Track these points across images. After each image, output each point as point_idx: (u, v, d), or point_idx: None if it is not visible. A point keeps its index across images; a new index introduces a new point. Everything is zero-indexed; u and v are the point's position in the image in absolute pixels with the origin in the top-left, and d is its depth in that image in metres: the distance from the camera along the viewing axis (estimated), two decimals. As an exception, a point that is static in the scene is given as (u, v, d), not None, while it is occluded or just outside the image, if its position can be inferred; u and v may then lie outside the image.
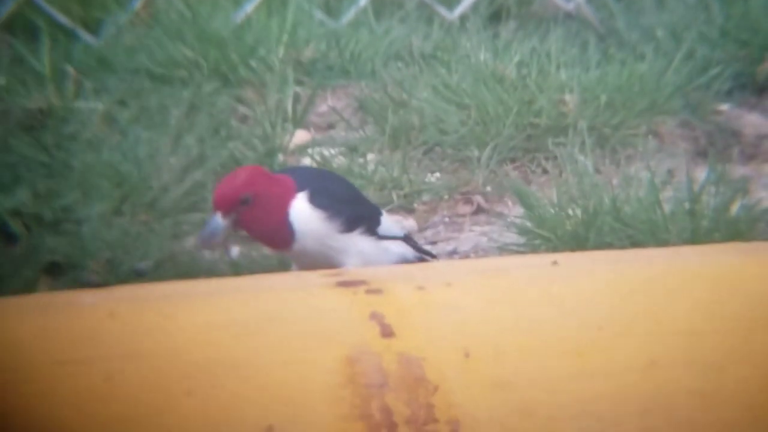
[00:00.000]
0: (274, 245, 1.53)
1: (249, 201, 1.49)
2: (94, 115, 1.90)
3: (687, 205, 1.68)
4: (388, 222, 1.59)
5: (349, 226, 1.53)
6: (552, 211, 1.72)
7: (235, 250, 1.70)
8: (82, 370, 1.19)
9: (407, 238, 1.62)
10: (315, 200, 1.51)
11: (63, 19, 2.14)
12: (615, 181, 1.79)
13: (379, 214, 1.58)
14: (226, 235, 1.49)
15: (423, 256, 1.61)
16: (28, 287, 1.51)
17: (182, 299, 1.27)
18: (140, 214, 1.72)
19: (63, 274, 1.57)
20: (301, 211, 1.51)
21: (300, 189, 1.52)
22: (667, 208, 1.69)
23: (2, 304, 1.30)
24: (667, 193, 1.73)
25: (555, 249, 1.66)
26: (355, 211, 1.54)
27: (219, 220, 1.48)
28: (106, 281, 1.55)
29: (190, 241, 1.69)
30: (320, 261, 1.53)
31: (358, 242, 1.54)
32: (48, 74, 1.96)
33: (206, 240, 1.50)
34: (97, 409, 1.18)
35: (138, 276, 1.59)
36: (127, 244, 1.61)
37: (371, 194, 1.83)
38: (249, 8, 2.18)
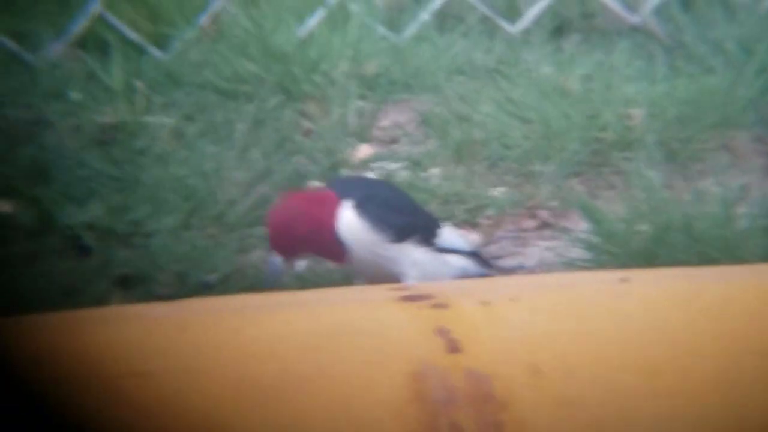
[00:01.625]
0: (332, 260, 1.54)
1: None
2: (162, 130, 1.92)
3: (762, 222, 1.65)
4: (451, 235, 1.58)
5: (400, 236, 1.52)
6: (620, 226, 1.70)
7: (301, 264, 1.71)
8: (152, 383, 1.21)
9: (474, 254, 1.60)
10: (360, 209, 1.51)
11: (133, 34, 2.18)
12: (686, 197, 1.76)
13: (437, 225, 1.57)
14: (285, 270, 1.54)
15: (490, 272, 1.60)
16: (101, 300, 1.54)
17: (250, 313, 1.28)
18: (208, 228, 1.73)
19: (134, 286, 1.59)
20: (348, 222, 1.51)
21: (344, 198, 1.52)
22: (740, 224, 1.66)
23: (75, 317, 1.32)
24: (740, 209, 1.70)
25: (623, 265, 1.64)
26: (407, 221, 1.53)
27: (277, 261, 1.53)
28: (175, 294, 1.57)
29: (256, 255, 1.70)
30: (378, 272, 1.53)
31: (412, 252, 1.53)
32: (119, 90, 2.00)
33: (272, 282, 1.55)
34: (166, 422, 1.19)
35: (206, 289, 1.60)
36: (195, 257, 1.62)
37: (434, 209, 1.83)
38: (312, 23, 2.19)
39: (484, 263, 1.61)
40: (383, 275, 1.54)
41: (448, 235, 1.58)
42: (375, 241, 1.51)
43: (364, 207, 1.51)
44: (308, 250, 1.55)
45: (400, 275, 1.54)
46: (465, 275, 1.56)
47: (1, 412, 1.17)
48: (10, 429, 1.17)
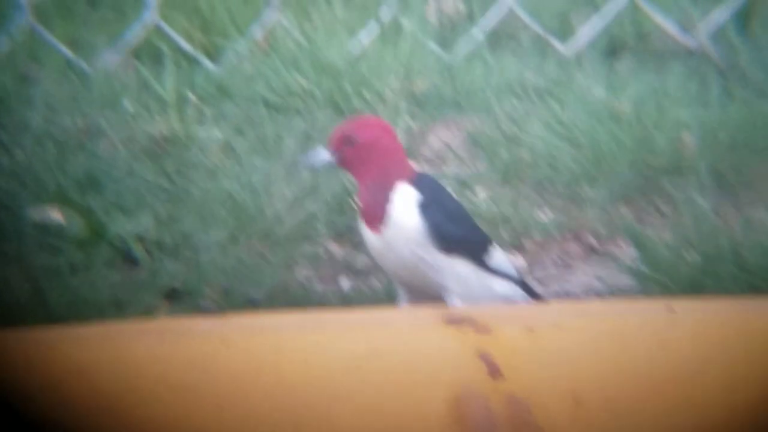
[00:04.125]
0: (367, 216, 1.49)
1: (353, 142, 1.49)
2: (213, 143, 1.94)
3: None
4: (502, 258, 1.55)
5: (451, 247, 1.50)
6: (667, 254, 1.69)
7: (346, 283, 1.72)
8: (195, 396, 1.22)
9: (522, 282, 1.58)
10: (423, 206, 1.49)
11: (187, 45, 2.20)
12: (735, 226, 1.74)
13: (489, 244, 1.54)
14: (325, 165, 1.52)
15: (533, 300, 1.57)
16: (148, 312, 1.55)
17: (293, 330, 1.29)
18: (255, 243, 1.75)
19: (180, 299, 1.61)
20: (405, 205, 1.49)
21: (416, 186, 1.49)
22: (790, 255, 1.64)
23: (122, 329, 1.33)
24: (791, 240, 1.68)
25: (670, 294, 1.63)
26: (462, 234, 1.51)
27: (322, 151, 1.52)
28: (220, 308, 1.58)
29: (302, 272, 1.71)
30: (412, 273, 1.50)
31: (459, 266, 1.50)
32: (171, 100, 2.02)
33: (305, 164, 1.55)
34: (208, 435, 1.20)
35: (251, 304, 1.61)
36: (241, 272, 1.63)
37: (480, 229, 1.82)
38: (365, 39, 2.20)
39: (530, 291, 1.58)
40: (418, 280, 1.51)
41: (499, 256, 1.55)
42: (423, 243, 1.48)
43: (427, 207, 1.48)
44: (353, 167, 1.50)
45: (440, 286, 1.51)
46: (508, 301, 1.54)
47: (46, 419, 1.19)
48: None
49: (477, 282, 1.52)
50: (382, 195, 1.49)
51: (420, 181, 1.51)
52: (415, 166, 1.58)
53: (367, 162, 1.50)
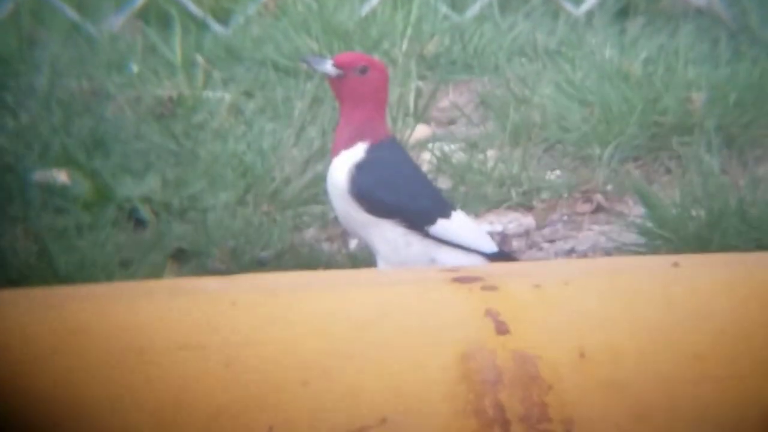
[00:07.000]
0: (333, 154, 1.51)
1: (365, 73, 1.49)
2: (221, 105, 1.94)
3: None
4: (459, 230, 1.51)
5: (381, 212, 1.48)
6: (674, 211, 1.68)
7: (354, 244, 1.72)
8: (203, 355, 1.23)
9: (498, 255, 1.52)
10: (357, 169, 1.48)
11: (194, 8, 2.19)
12: (742, 183, 1.74)
13: (439, 215, 1.50)
14: (323, 74, 1.51)
15: None
16: (155, 272, 1.56)
17: (302, 290, 1.30)
18: (263, 205, 1.75)
19: (188, 260, 1.61)
20: (340, 165, 1.49)
21: (369, 150, 1.48)
22: (796, 211, 1.64)
23: (130, 288, 1.34)
24: (796, 197, 1.67)
25: (676, 250, 1.63)
26: (396, 200, 1.49)
27: (328, 62, 1.50)
28: (229, 269, 1.59)
29: (310, 233, 1.71)
30: (346, 223, 1.51)
31: (386, 230, 1.49)
32: (179, 63, 2.01)
33: (309, 63, 1.53)
34: (215, 394, 1.21)
35: (260, 265, 1.62)
36: (250, 233, 1.64)
37: (490, 191, 1.83)
38: (375, 1, 2.19)
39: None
40: (356, 235, 1.51)
41: (452, 228, 1.51)
42: (351, 202, 1.49)
43: (361, 170, 1.48)
44: (346, 103, 1.49)
45: (371, 244, 1.51)
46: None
47: (52, 379, 1.20)
48: (61, 397, 1.20)
49: (411, 249, 1.49)
50: (343, 143, 1.49)
51: (378, 146, 1.49)
52: (388, 130, 1.56)
53: (360, 101, 1.49)
